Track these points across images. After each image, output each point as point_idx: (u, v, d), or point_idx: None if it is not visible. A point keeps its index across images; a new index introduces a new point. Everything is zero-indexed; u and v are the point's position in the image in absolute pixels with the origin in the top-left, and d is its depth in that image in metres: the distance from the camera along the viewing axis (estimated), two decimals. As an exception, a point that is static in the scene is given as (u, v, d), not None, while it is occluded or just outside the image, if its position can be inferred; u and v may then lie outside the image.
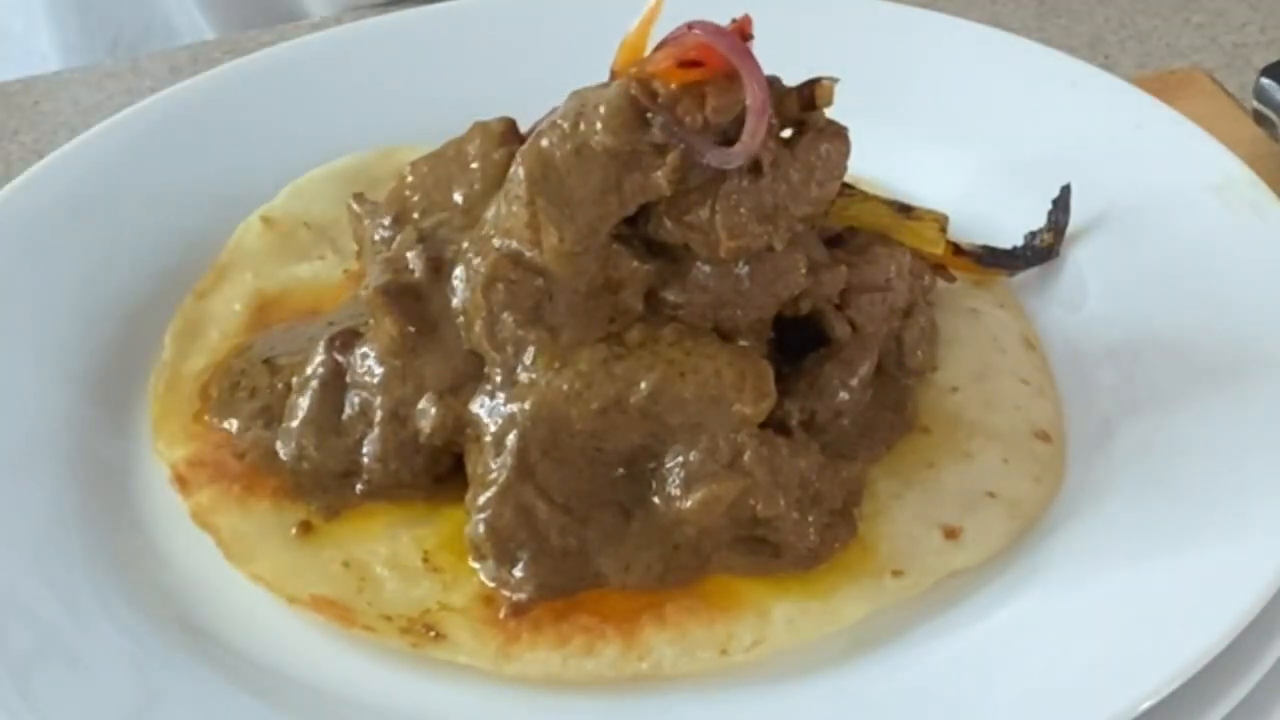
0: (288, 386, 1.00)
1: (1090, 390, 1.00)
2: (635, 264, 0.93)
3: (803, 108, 0.94)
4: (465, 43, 1.23)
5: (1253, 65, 1.40)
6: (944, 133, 1.17)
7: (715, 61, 0.91)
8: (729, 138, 0.92)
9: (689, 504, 0.90)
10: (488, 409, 0.93)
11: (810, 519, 0.92)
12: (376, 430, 0.96)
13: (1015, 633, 0.86)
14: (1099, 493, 0.93)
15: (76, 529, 0.94)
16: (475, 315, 0.93)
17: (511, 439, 0.91)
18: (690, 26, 0.91)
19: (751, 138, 0.90)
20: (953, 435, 0.98)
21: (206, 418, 1.01)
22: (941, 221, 1.04)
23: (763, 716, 0.85)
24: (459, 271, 0.96)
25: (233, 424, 1.01)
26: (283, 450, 0.98)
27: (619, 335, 0.92)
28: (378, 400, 0.96)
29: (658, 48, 0.92)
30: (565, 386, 0.91)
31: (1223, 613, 0.82)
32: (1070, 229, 1.09)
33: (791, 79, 0.94)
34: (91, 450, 1.00)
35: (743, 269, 0.93)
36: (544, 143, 0.93)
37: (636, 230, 0.93)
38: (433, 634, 0.88)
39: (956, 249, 1.07)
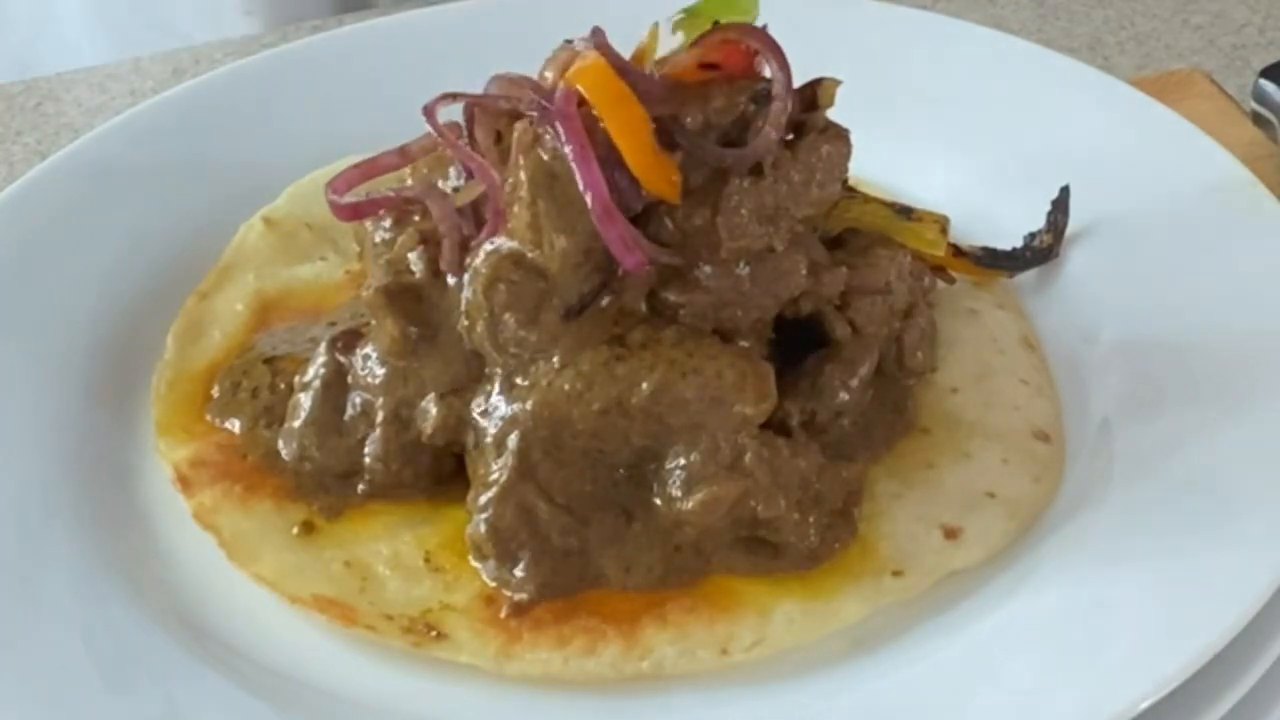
0: (289, 387, 1.01)
1: (1089, 390, 1.00)
2: (636, 265, 0.93)
3: (804, 108, 0.95)
4: (466, 44, 1.23)
5: (1251, 67, 1.40)
6: (944, 134, 1.18)
7: (733, 64, 0.92)
8: (729, 138, 0.92)
9: (690, 505, 0.90)
10: (489, 409, 0.93)
11: (811, 519, 0.92)
12: (378, 431, 0.96)
13: (1015, 632, 0.86)
14: (1098, 493, 0.93)
15: (78, 528, 0.95)
16: (477, 316, 0.93)
17: (513, 439, 0.91)
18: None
19: (775, 127, 0.91)
20: (952, 436, 0.98)
21: (209, 418, 1.02)
22: (942, 223, 1.04)
23: (763, 716, 0.86)
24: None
25: (235, 424, 1.01)
26: (285, 450, 0.98)
27: (621, 336, 0.92)
28: (379, 401, 0.96)
29: (686, 47, 0.94)
30: (567, 387, 0.91)
31: (1222, 613, 0.82)
32: (1069, 230, 1.09)
33: (793, 80, 0.94)
34: (94, 450, 1.00)
35: (743, 270, 0.93)
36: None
37: (639, 231, 0.93)
38: (434, 633, 0.89)
39: (956, 250, 1.07)
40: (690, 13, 0.93)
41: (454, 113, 0.98)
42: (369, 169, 1.02)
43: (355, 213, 1.02)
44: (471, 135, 0.96)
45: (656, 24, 0.95)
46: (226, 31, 1.65)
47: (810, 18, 1.16)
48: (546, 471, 0.91)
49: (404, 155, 1.02)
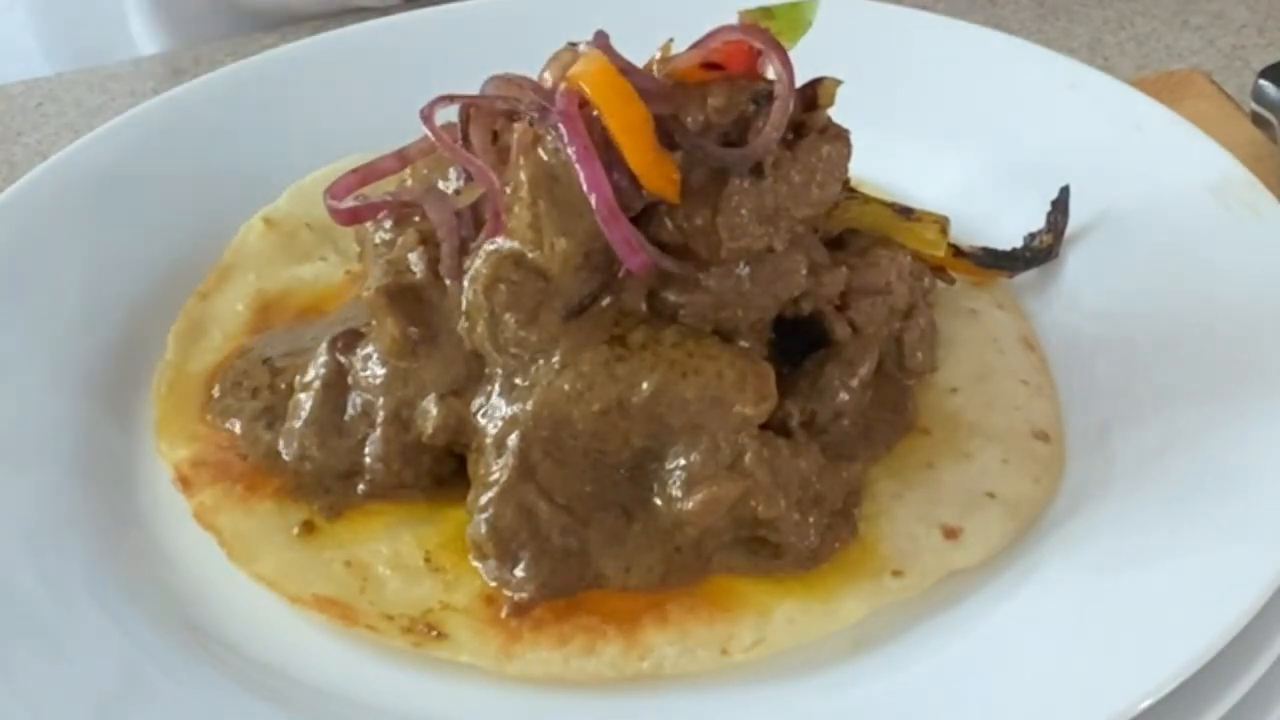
0: (290, 387, 1.01)
1: (1089, 390, 1.00)
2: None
3: (805, 108, 0.95)
4: (467, 45, 1.23)
5: (1251, 67, 1.40)
6: (944, 134, 1.18)
7: (736, 65, 0.92)
8: (729, 139, 0.92)
9: (690, 505, 0.90)
10: (489, 410, 0.93)
11: (811, 520, 0.92)
12: (379, 431, 0.96)
13: (1015, 632, 0.86)
14: (1098, 493, 0.93)
15: (79, 529, 0.95)
16: (477, 316, 0.94)
17: (513, 439, 0.91)
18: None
19: (776, 128, 0.91)
20: (952, 436, 0.98)
21: (209, 418, 1.02)
22: (942, 223, 1.04)
23: (763, 716, 0.86)
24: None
25: (235, 424, 1.01)
26: (285, 450, 0.98)
27: (621, 337, 0.92)
28: (380, 401, 0.96)
29: (690, 49, 0.94)
30: (567, 387, 0.91)
31: (1222, 612, 0.82)
32: (1069, 230, 1.09)
33: (795, 81, 0.95)
34: (94, 450, 1.00)
35: (744, 270, 0.93)
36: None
37: (639, 231, 0.93)
38: (434, 633, 0.89)
39: (956, 250, 1.07)
40: (765, 12, 0.93)
41: (453, 114, 0.98)
42: (367, 174, 1.02)
43: (354, 216, 1.02)
44: (466, 136, 0.96)
45: (670, 40, 0.95)
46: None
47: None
48: (547, 471, 0.91)
49: (402, 159, 1.02)
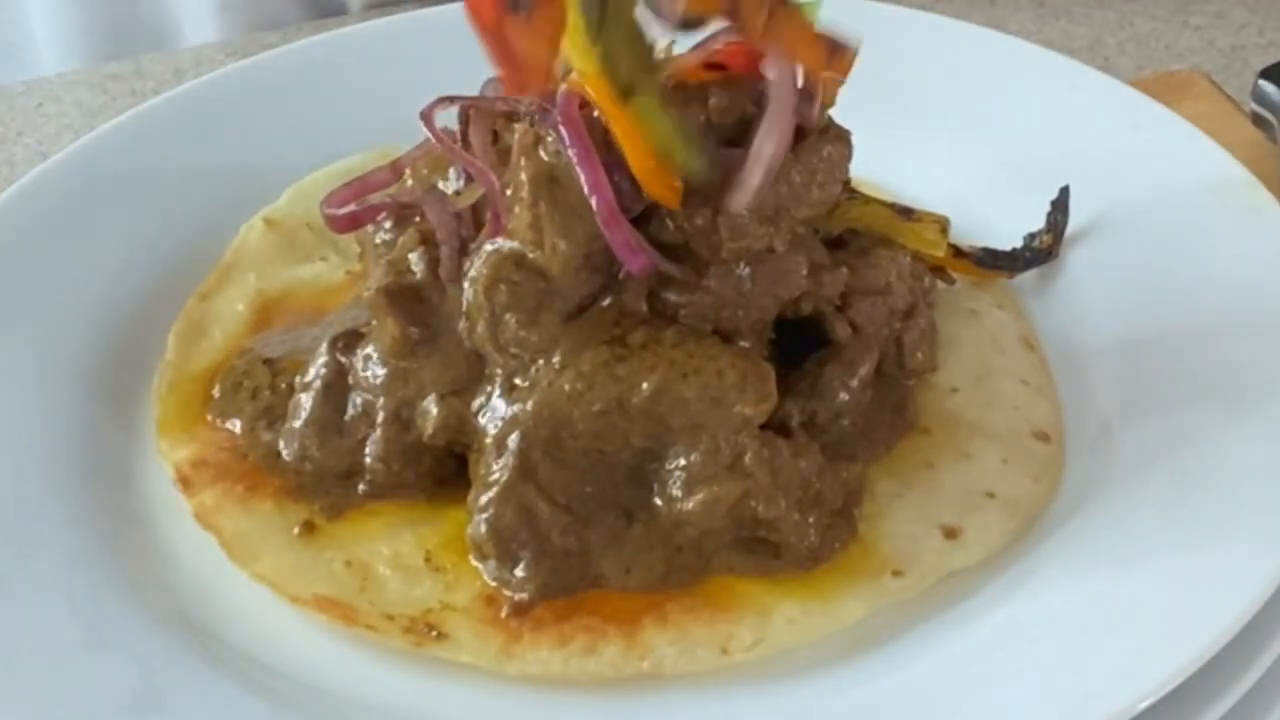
0: (290, 387, 1.01)
1: (1089, 391, 1.00)
2: (637, 265, 0.93)
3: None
4: (467, 45, 1.23)
5: (1251, 67, 1.41)
6: (944, 134, 1.18)
7: (739, 66, 0.92)
8: (730, 139, 0.92)
9: (690, 505, 0.90)
10: (490, 410, 0.93)
11: (811, 520, 0.92)
12: (379, 431, 0.96)
13: (1015, 633, 0.86)
14: (1097, 492, 0.93)
15: (80, 529, 0.95)
16: (478, 316, 0.94)
17: (513, 439, 0.91)
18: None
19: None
20: (952, 436, 0.98)
21: (210, 418, 1.02)
22: (942, 224, 1.04)
23: (763, 716, 0.86)
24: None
25: (235, 424, 1.01)
26: (285, 450, 0.98)
27: (621, 337, 0.92)
28: (380, 401, 0.97)
29: (692, 49, 0.94)
30: (567, 387, 0.91)
31: (1222, 613, 0.82)
32: (1069, 230, 1.09)
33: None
34: (95, 450, 1.00)
35: (744, 270, 0.93)
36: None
37: (639, 231, 0.94)
38: (435, 633, 0.89)
39: (956, 251, 1.07)
40: None
41: (452, 115, 0.98)
42: (360, 187, 1.02)
43: (353, 222, 1.02)
44: (465, 138, 0.96)
45: (672, 41, 0.95)
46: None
47: (810, 18, 1.16)
48: (547, 471, 0.91)
49: (395, 170, 1.03)
